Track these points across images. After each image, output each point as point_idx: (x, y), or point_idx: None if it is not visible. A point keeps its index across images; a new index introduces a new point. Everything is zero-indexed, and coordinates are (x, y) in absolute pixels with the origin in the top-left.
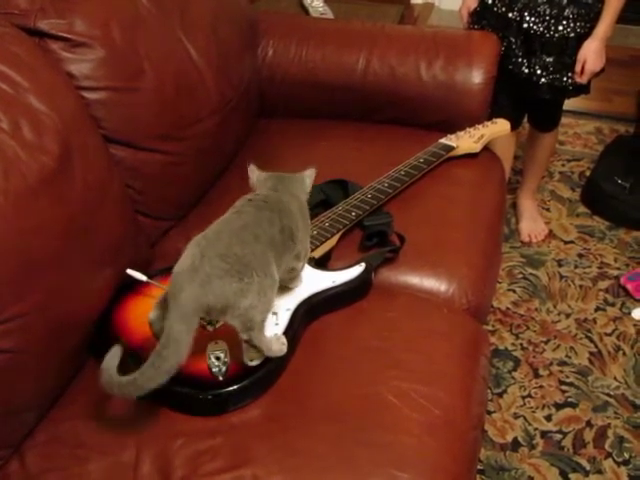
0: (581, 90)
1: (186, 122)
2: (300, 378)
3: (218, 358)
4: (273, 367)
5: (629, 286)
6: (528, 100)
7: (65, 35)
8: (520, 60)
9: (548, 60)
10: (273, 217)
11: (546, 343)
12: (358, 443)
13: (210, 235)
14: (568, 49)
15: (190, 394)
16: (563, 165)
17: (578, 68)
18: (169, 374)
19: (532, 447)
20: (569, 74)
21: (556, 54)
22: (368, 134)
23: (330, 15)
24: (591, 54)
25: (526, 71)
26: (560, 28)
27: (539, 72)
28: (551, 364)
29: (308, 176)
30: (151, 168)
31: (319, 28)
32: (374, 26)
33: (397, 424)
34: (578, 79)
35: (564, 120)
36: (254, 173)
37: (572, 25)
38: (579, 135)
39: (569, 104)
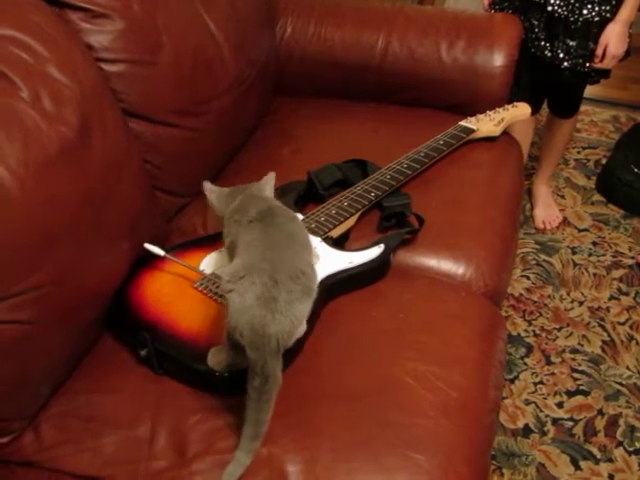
0: (602, 74)
1: (204, 97)
2: (317, 358)
3: None
4: (291, 347)
5: None
6: (549, 84)
7: (85, 5)
8: (543, 43)
9: (571, 44)
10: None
11: (559, 330)
12: (374, 424)
13: (270, 256)
14: (591, 34)
15: (208, 371)
16: (579, 152)
17: (599, 52)
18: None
19: (543, 434)
20: (592, 59)
21: (579, 38)
22: (386, 115)
23: None
24: (613, 37)
25: (549, 54)
26: (585, 12)
27: (562, 56)
28: (563, 351)
29: (268, 182)
30: (169, 143)
31: (338, 7)
32: (394, 6)
33: (413, 405)
34: (599, 64)
35: (581, 107)
36: (213, 193)
37: (597, 9)
38: (595, 123)
39: (586, 91)
